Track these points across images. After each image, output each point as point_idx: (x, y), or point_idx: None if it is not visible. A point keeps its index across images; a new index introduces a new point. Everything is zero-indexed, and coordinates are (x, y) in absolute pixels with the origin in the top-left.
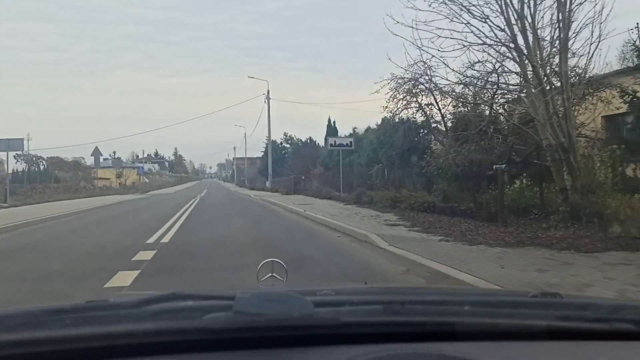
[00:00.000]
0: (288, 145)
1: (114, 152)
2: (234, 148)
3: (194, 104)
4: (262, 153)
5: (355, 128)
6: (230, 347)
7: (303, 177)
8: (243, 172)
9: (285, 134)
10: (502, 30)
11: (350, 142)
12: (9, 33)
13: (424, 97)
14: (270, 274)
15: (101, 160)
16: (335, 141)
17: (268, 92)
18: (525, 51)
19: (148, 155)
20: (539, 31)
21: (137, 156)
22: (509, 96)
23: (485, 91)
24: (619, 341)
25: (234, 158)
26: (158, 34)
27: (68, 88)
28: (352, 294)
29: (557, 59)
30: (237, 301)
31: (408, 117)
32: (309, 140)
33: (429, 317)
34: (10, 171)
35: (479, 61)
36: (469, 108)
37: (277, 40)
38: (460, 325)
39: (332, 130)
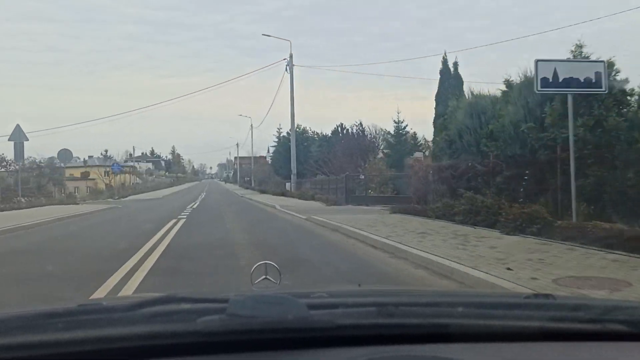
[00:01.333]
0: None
1: (106, 150)
2: (237, 144)
3: (195, 104)
4: (274, 147)
5: (580, 45)
6: (225, 350)
7: (362, 177)
8: (247, 173)
9: (299, 126)
10: None
11: (598, 74)
12: (9, 33)
13: None
14: (263, 277)
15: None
16: (556, 72)
17: (291, 56)
18: None
19: (143, 153)
20: None
21: (131, 155)
22: None
23: None
24: (612, 342)
25: (236, 157)
26: (158, 34)
27: (68, 88)
28: (346, 295)
29: None
30: (231, 304)
31: None
32: (339, 129)
33: (423, 318)
34: None
35: None
36: None
37: (277, 41)
38: (454, 326)
39: (448, 75)
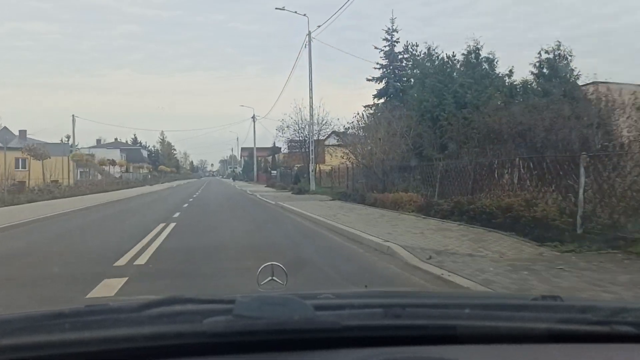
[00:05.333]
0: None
1: (68, 137)
2: (253, 117)
3: (197, 103)
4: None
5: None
6: (230, 351)
7: None
8: (255, 165)
9: (405, 44)
10: None
11: None
12: (11, 33)
13: None
14: (270, 278)
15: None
16: None
17: None
18: None
19: (116, 139)
20: None
21: (100, 141)
22: None
23: None
24: (620, 344)
25: (253, 147)
26: (160, 33)
27: (69, 88)
28: (353, 297)
29: None
30: (237, 305)
31: None
32: None
33: (430, 320)
34: None
35: None
36: None
37: (279, 39)
38: (461, 328)
39: None
